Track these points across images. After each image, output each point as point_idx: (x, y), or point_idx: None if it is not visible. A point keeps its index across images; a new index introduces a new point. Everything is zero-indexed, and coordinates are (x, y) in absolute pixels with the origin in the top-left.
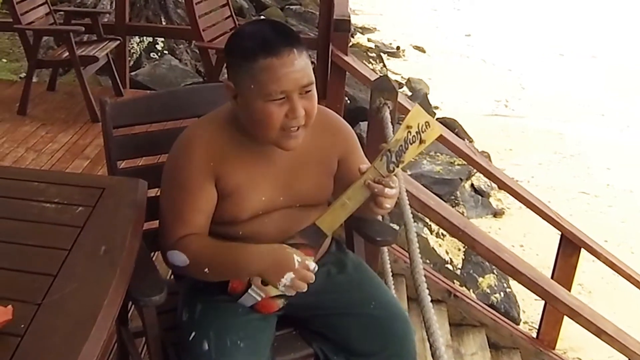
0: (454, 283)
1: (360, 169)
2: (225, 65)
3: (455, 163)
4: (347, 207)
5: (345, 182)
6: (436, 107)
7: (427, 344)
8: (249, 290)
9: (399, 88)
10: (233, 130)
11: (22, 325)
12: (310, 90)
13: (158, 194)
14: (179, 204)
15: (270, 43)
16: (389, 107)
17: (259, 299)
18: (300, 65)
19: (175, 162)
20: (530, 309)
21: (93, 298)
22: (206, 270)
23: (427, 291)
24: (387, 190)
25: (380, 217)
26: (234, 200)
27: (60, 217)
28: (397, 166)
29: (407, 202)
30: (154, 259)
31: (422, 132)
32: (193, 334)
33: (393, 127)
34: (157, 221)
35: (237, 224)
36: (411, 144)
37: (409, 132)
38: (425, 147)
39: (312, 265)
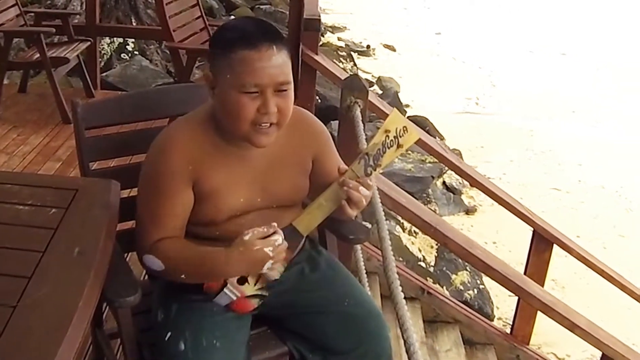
0: (427, 280)
1: (340, 169)
2: (195, 65)
3: (427, 161)
4: (324, 208)
5: (320, 181)
6: (407, 106)
7: (402, 341)
8: (225, 290)
9: (370, 87)
10: (210, 132)
11: None
12: (286, 90)
13: (131, 194)
14: (155, 207)
15: (250, 36)
16: (359, 106)
17: (235, 298)
18: (277, 62)
19: (153, 165)
20: (504, 305)
21: (68, 299)
22: (182, 276)
23: (400, 288)
24: (362, 190)
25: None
26: (212, 202)
27: (33, 219)
28: (375, 169)
29: (379, 200)
30: (128, 259)
31: (400, 136)
32: (169, 334)
33: (364, 126)
34: (131, 222)
35: (214, 225)
36: (389, 148)
37: (387, 136)
38: (403, 151)
39: (279, 239)
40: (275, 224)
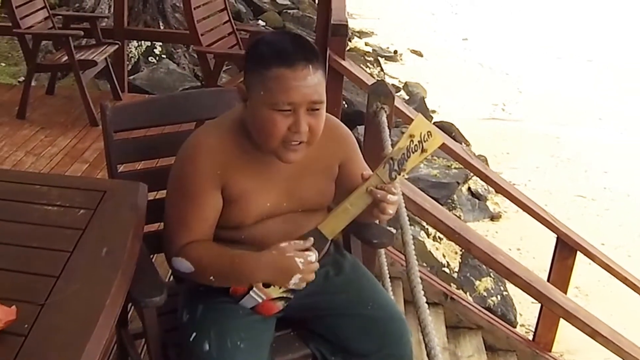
0: (450, 286)
1: (363, 175)
2: (222, 69)
3: (452, 167)
4: (349, 213)
5: (346, 186)
6: (433, 111)
7: (424, 346)
8: (250, 292)
9: (396, 92)
10: (239, 137)
11: (26, 325)
12: (318, 109)
13: (157, 197)
14: (184, 211)
15: (286, 53)
16: (385, 111)
17: (260, 300)
18: (312, 82)
19: (182, 169)
20: (527, 312)
21: (95, 298)
22: (211, 278)
23: (422, 292)
24: (389, 196)
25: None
26: (239, 207)
27: (62, 219)
28: (399, 174)
29: (404, 205)
30: (154, 260)
31: (425, 141)
32: (194, 334)
33: (390, 131)
34: (158, 224)
35: (240, 228)
36: (413, 152)
37: (412, 141)
38: (427, 156)
39: (313, 257)
40: (312, 239)
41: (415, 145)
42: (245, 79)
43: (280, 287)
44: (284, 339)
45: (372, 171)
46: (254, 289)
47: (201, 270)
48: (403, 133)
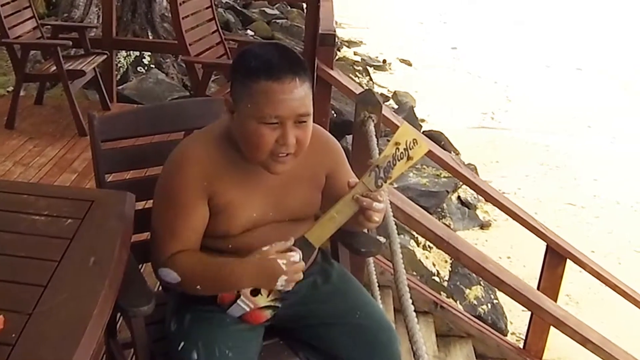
0: (440, 295)
1: (349, 183)
2: (211, 79)
3: (442, 175)
4: (336, 221)
5: (333, 196)
6: (422, 120)
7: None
8: (238, 301)
9: (386, 101)
10: (226, 147)
11: (13, 335)
12: (305, 121)
13: (146, 206)
14: (171, 221)
15: (273, 67)
16: (373, 120)
17: (248, 309)
18: (299, 94)
19: (169, 180)
20: (518, 320)
21: (83, 308)
22: (198, 287)
23: (410, 301)
24: (375, 204)
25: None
26: (226, 217)
27: (49, 229)
28: (385, 182)
29: (392, 214)
30: (142, 270)
31: (410, 149)
32: (182, 343)
33: (377, 140)
34: (146, 233)
35: (227, 238)
36: (399, 160)
37: (397, 148)
38: (413, 163)
39: (297, 257)
40: (292, 238)
41: (401, 152)
42: (232, 91)
43: (268, 295)
44: (272, 347)
45: (359, 179)
46: (242, 297)
47: (188, 280)
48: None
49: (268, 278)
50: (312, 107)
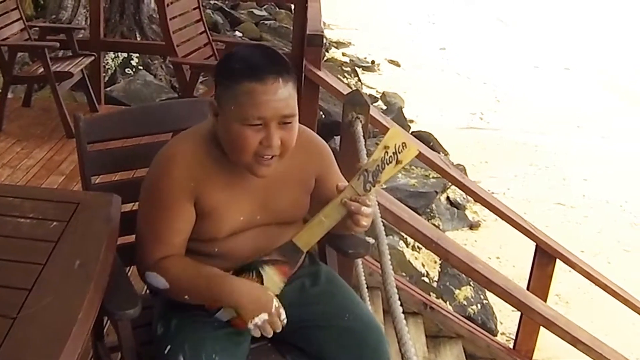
0: (430, 295)
1: (338, 187)
2: (199, 80)
3: (431, 176)
4: (324, 225)
5: (322, 199)
6: (411, 121)
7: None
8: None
9: (374, 102)
10: (212, 149)
11: None
12: (290, 122)
13: (133, 208)
14: (157, 224)
15: (256, 68)
16: (361, 121)
17: (236, 314)
18: (283, 95)
19: (155, 181)
20: (507, 320)
21: (68, 312)
22: (186, 297)
23: (398, 303)
24: (363, 208)
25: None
26: (213, 219)
27: (35, 232)
28: (374, 186)
29: (379, 215)
30: (128, 273)
31: (399, 152)
32: (168, 347)
33: (365, 141)
34: (133, 236)
35: (214, 241)
36: (388, 164)
37: (386, 152)
38: (402, 167)
39: (283, 315)
40: (284, 317)
41: (390, 156)
42: (216, 94)
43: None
44: (261, 351)
45: (348, 183)
46: None
47: (176, 289)
48: (379, 143)
49: (254, 307)
50: (297, 108)
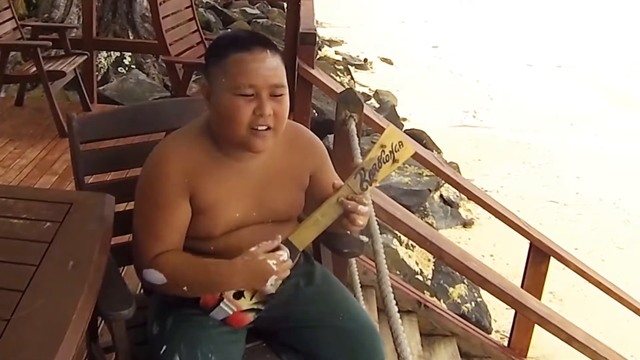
0: (424, 294)
1: (334, 185)
2: (191, 79)
3: (424, 174)
4: (320, 224)
5: (317, 197)
6: (404, 119)
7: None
8: (221, 304)
9: (367, 100)
10: (207, 144)
11: None
12: (281, 94)
13: (126, 208)
14: (153, 221)
15: (243, 39)
16: (354, 120)
17: (231, 312)
18: (271, 65)
19: (149, 178)
20: (502, 318)
21: (62, 313)
22: (185, 288)
23: (394, 302)
24: (360, 207)
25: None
26: (208, 216)
27: (28, 232)
28: (370, 184)
29: (374, 213)
30: (122, 273)
31: (396, 151)
32: (164, 347)
33: (359, 140)
34: (128, 235)
35: (210, 239)
36: (384, 163)
37: (383, 151)
38: (399, 166)
39: (285, 255)
40: (279, 236)
41: (387, 155)
42: (207, 75)
43: (251, 298)
44: (255, 350)
45: (343, 181)
46: (225, 300)
47: (174, 281)
48: (373, 142)
49: (258, 278)
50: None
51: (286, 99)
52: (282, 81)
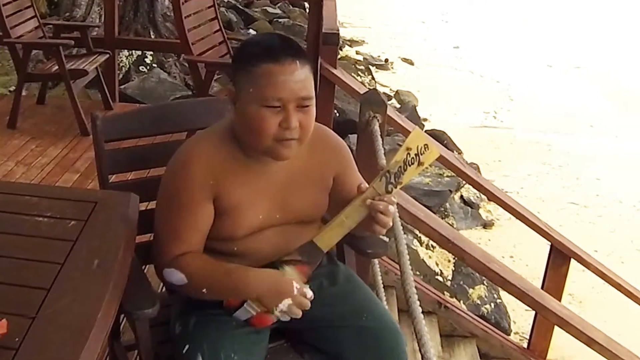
0: (444, 294)
1: (360, 187)
2: (213, 79)
3: (444, 175)
4: (345, 225)
5: (340, 198)
6: (425, 119)
7: (419, 355)
8: (245, 305)
9: (388, 100)
10: (231, 146)
11: (17, 339)
12: (308, 106)
13: (149, 207)
14: (176, 221)
15: (273, 50)
16: (378, 120)
17: (254, 313)
18: (300, 77)
19: (174, 179)
20: (521, 319)
21: (87, 311)
22: (204, 290)
23: (418, 303)
24: (385, 208)
25: None
26: (231, 218)
27: (53, 231)
28: (396, 187)
29: (397, 214)
30: (146, 272)
31: (421, 154)
32: (187, 346)
33: (382, 140)
34: (149, 235)
35: (232, 240)
36: (410, 165)
37: (409, 154)
38: (424, 168)
39: (309, 293)
40: (310, 293)
41: (412, 158)
42: (234, 80)
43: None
44: (278, 350)
45: (367, 183)
46: (248, 301)
47: (194, 283)
48: (397, 143)
49: (275, 294)
50: (315, 94)
51: (313, 109)
52: (309, 93)
